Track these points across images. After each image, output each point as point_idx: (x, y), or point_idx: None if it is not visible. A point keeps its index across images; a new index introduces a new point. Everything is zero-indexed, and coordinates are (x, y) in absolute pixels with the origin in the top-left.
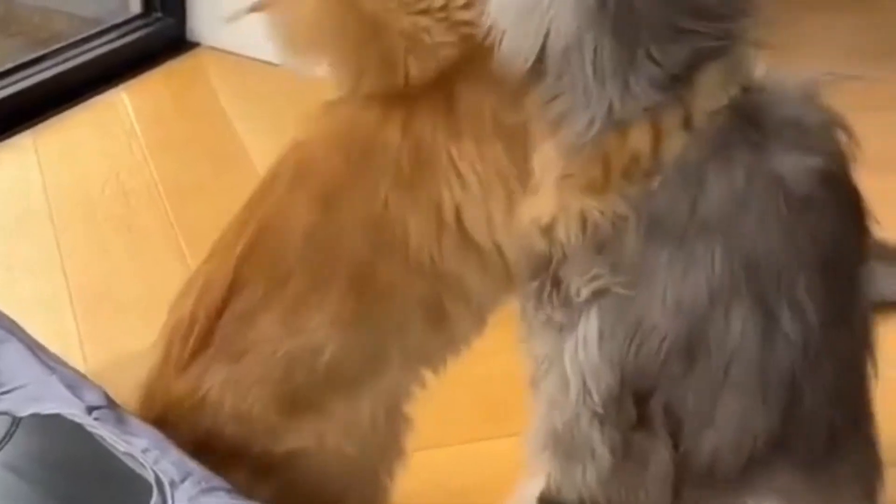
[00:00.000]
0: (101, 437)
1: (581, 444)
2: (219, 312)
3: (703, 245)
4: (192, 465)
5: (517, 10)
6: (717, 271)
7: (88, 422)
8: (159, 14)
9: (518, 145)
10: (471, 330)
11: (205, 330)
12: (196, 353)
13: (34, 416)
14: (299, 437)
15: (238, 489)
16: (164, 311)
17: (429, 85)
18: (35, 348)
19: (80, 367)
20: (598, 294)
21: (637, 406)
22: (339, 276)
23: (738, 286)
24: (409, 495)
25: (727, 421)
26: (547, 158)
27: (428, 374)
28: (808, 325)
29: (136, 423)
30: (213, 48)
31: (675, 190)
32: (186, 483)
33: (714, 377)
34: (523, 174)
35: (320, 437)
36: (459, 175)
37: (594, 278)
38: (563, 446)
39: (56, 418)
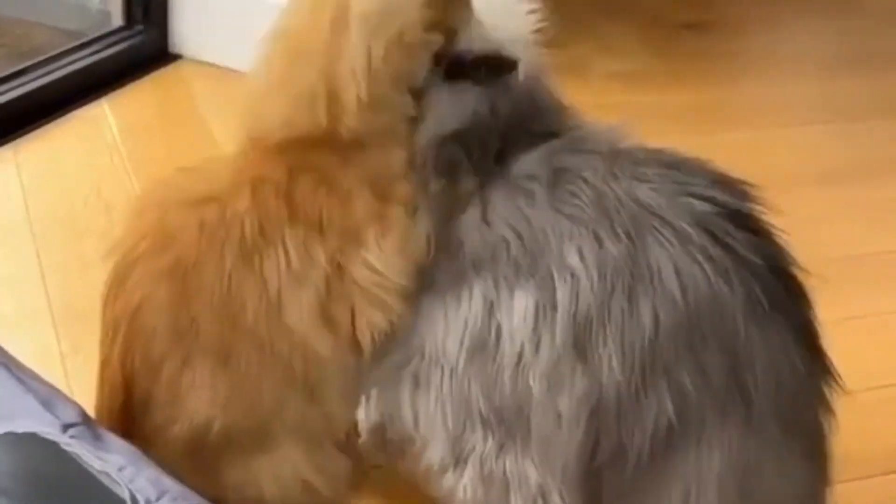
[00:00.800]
0: (76, 455)
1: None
2: (123, 419)
3: (469, 280)
4: (169, 482)
5: None
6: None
7: (64, 440)
8: (141, 27)
9: (341, 243)
10: (344, 410)
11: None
12: None
13: (8, 434)
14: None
15: None
16: None
17: (292, 155)
18: (10, 365)
19: (62, 383)
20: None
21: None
22: (204, 356)
23: (517, 274)
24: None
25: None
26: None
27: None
28: (580, 285)
29: (112, 440)
30: (195, 60)
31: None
32: (162, 501)
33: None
34: (336, 274)
35: (257, 492)
36: (287, 257)
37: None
38: None
39: (31, 437)
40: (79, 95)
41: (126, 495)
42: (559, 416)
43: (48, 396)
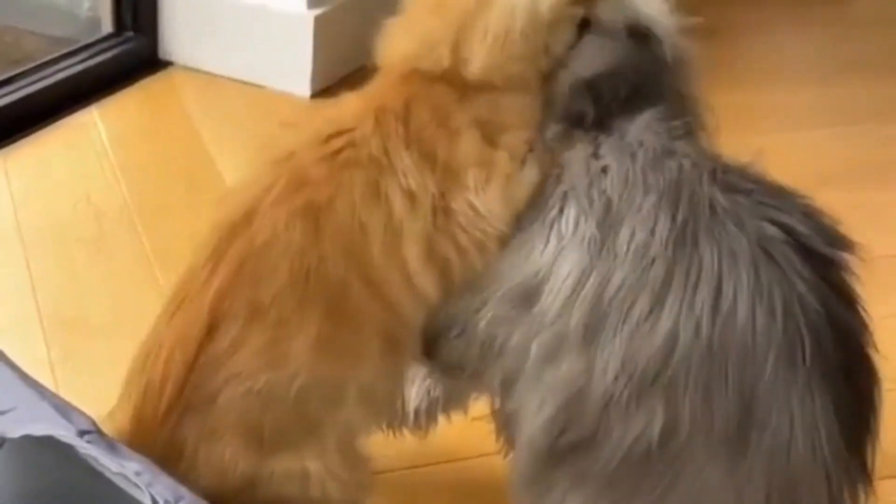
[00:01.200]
0: (93, 458)
1: None
2: (192, 362)
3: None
4: (183, 490)
5: None
6: (571, 230)
7: (80, 444)
8: (131, 33)
9: (445, 180)
10: (402, 378)
11: (179, 384)
12: (170, 410)
13: (26, 437)
14: (279, 482)
15: None
16: (136, 335)
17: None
18: (23, 374)
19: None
20: None
21: None
22: (321, 298)
23: (607, 212)
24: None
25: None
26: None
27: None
28: (614, 263)
29: (125, 450)
30: (185, 67)
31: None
32: None
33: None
34: (441, 205)
35: (302, 480)
36: (406, 178)
37: None
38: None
39: (48, 440)
40: (68, 102)
41: (147, 499)
42: (537, 386)
43: (61, 405)
